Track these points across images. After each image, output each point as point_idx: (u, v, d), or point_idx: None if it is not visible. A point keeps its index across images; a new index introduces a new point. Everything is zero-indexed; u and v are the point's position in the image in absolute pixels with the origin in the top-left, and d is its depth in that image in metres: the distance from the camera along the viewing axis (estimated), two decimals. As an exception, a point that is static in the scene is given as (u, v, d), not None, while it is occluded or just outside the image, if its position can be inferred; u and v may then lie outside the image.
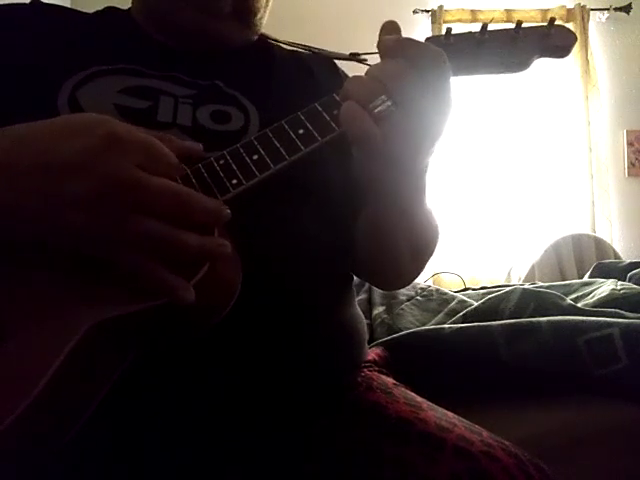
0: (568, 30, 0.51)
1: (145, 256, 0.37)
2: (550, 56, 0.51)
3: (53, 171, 0.36)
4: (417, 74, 0.44)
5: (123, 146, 0.37)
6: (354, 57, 0.65)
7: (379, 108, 0.43)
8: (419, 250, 0.62)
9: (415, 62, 0.44)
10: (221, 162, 0.44)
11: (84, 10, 0.65)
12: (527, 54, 0.50)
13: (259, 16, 0.65)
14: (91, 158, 0.36)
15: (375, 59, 0.49)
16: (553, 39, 0.50)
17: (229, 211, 0.39)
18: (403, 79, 0.44)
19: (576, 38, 0.51)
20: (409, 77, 0.44)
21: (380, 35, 0.48)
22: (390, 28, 0.49)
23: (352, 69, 0.67)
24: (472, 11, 3.01)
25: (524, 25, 0.51)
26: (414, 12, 3.03)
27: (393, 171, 0.49)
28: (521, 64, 0.50)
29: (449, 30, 0.51)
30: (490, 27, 0.50)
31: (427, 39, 0.52)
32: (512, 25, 0.50)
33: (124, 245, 0.37)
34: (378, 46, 0.47)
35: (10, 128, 0.39)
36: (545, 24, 0.50)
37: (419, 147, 0.46)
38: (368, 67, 0.46)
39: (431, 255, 0.64)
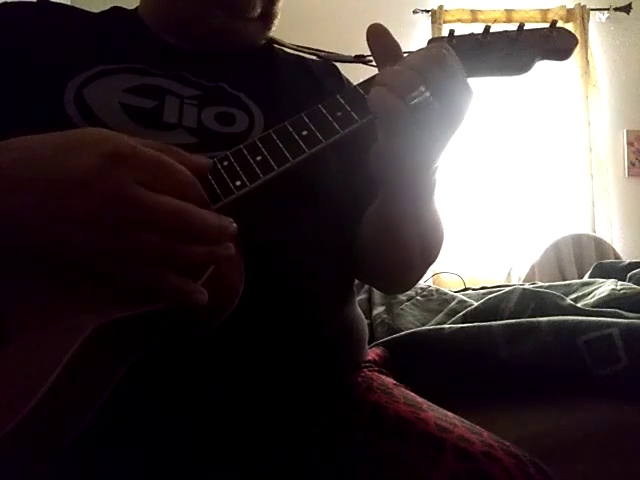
0: (569, 33, 0.51)
1: (150, 268, 0.37)
2: (551, 59, 0.51)
3: (57, 187, 0.36)
4: (456, 63, 0.44)
5: (128, 164, 0.36)
6: (359, 59, 0.65)
7: (418, 99, 0.43)
8: (429, 246, 0.61)
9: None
10: (225, 164, 0.44)
11: (85, 9, 0.65)
12: (529, 57, 0.50)
13: (278, 17, 0.67)
14: (95, 175, 0.35)
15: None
16: (554, 42, 0.50)
17: (235, 225, 0.39)
18: (444, 67, 0.44)
19: (577, 41, 0.50)
20: (450, 65, 0.44)
21: (371, 39, 0.48)
22: (377, 31, 0.48)
23: (356, 69, 0.67)
24: (472, 11, 3.01)
25: (526, 28, 0.50)
26: (414, 12, 3.03)
27: (415, 160, 0.48)
28: (523, 67, 0.50)
29: (452, 32, 0.51)
30: (492, 29, 0.50)
31: (430, 41, 0.52)
32: (512, 26, 0.50)
33: (127, 261, 0.37)
34: (376, 48, 0.47)
35: (19, 139, 0.39)
36: (546, 27, 0.50)
37: (445, 137, 0.47)
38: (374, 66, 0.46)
39: (438, 254, 0.64)
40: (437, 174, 0.52)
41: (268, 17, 0.65)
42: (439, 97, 0.44)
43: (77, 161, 0.36)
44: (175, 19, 0.62)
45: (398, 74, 0.44)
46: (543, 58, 0.50)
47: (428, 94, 0.43)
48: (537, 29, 0.51)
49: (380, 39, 0.48)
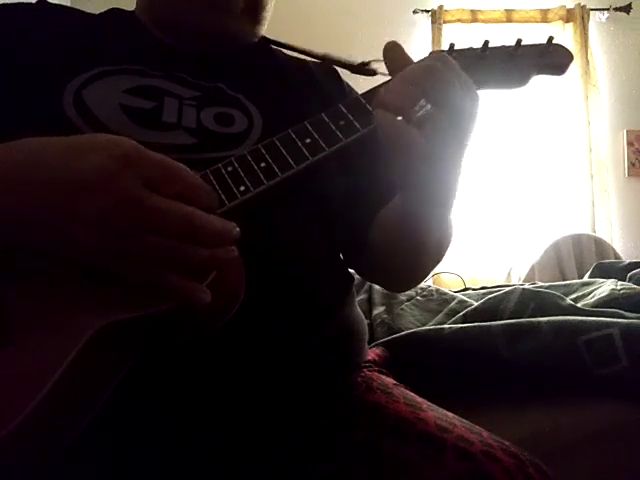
0: (565, 49, 0.52)
1: (155, 269, 0.38)
2: (547, 73, 0.52)
3: (65, 188, 0.36)
4: (451, 72, 0.45)
5: (137, 167, 0.36)
6: (362, 67, 0.64)
7: (420, 113, 0.43)
8: (442, 247, 0.61)
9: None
10: (229, 169, 0.44)
11: (84, 10, 0.65)
12: (526, 72, 0.51)
13: (267, 9, 0.66)
14: (104, 177, 0.36)
15: (381, 66, 0.50)
16: (551, 57, 0.51)
17: (238, 230, 0.39)
18: (440, 78, 0.44)
19: (572, 57, 0.52)
20: (445, 75, 0.44)
21: (388, 56, 0.49)
22: (393, 49, 0.49)
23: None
24: (472, 11, 3.00)
25: (524, 43, 0.52)
26: (414, 12, 3.02)
27: (434, 169, 0.48)
28: (520, 81, 0.51)
29: (452, 45, 0.52)
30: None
31: (431, 54, 0.53)
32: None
33: (131, 262, 0.37)
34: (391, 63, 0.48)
35: (25, 141, 0.39)
36: (544, 42, 0.52)
37: (458, 144, 0.47)
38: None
39: (444, 255, 0.63)
40: (459, 181, 0.51)
41: (254, 11, 0.64)
42: (441, 107, 0.44)
43: (87, 163, 0.36)
44: (163, 19, 0.62)
45: (397, 92, 0.45)
46: (539, 73, 0.52)
47: (429, 106, 0.44)
48: (534, 44, 0.52)
49: (396, 55, 0.49)
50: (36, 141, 0.39)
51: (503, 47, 0.52)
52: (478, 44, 0.53)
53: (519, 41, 0.51)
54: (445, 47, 0.55)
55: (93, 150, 0.37)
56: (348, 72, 0.68)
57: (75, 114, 0.51)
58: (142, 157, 0.37)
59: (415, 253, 0.59)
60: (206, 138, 0.54)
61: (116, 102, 0.53)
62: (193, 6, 0.60)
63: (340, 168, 0.61)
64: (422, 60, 0.48)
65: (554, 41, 0.52)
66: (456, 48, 0.52)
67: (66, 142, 0.38)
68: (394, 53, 0.49)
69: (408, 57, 0.49)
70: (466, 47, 0.53)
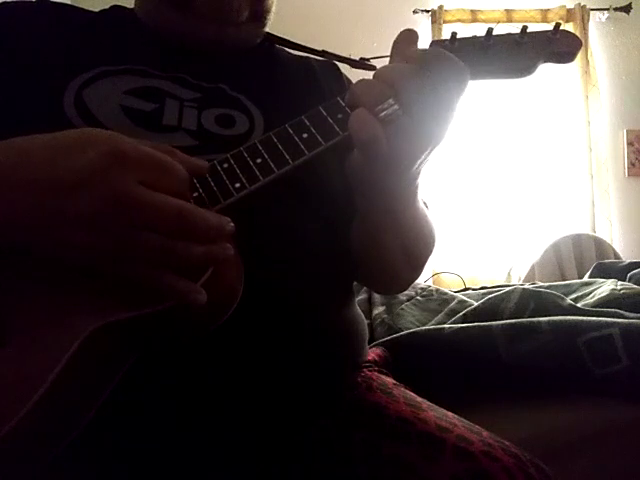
0: (573, 35, 0.51)
1: (150, 268, 0.37)
2: (554, 62, 0.50)
3: (57, 186, 0.35)
4: (427, 79, 0.44)
5: (127, 163, 0.36)
6: (363, 62, 0.64)
7: (386, 111, 0.43)
8: (414, 252, 0.61)
9: (434, 72, 0.44)
10: (224, 166, 0.44)
11: (85, 8, 0.65)
12: (532, 60, 0.49)
13: (272, 11, 0.66)
14: (94, 175, 0.35)
15: (383, 62, 0.49)
16: (558, 44, 0.50)
17: (232, 225, 0.39)
18: (411, 82, 0.43)
19: (581, 44, 0.50)
20: (417, 80, 0.44)
21: (397, 43, 0.48)
22: (408, 37, 0.48)
23: (358, 70, 0.67)
24: (472, 11, 3.00)
25: (529, 30, 0.50)
26: (414, 12, 3.02)
27: (389, 174, 0.48)
28: (526, 70, 0.50)
29: (454, 34, 0.50)
30: (494, 29, 0.50)
31: (432, 43, 0.52)
32: (513, 25, 0.50)
33: (127, 260, 0.37)
34: (396, 52, 0.47)
35: (18, 140, 0.39)
36: (550, 29, 0.50)
37: (419, 152, 0.46)
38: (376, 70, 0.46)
39: (427, 258, 0.64)
40: (418, 181, 0.51)
41: (259, 16, 0.64)
42: (409, 111, 0.43)
43: (77, 160, 0.36)
44: (163, 25, 0.62)
45: (368, 86, 0.44)
46: (546, 61, 0.50)
47: (397, 107, 0.43)
48: (540, 32, 0.51)
49: (404, 47, 0.48)
50: (25, 140, 0.38)
51: (508, 35, 0.50)
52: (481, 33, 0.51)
53: (524, 28, 0.50)
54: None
55: (83, 147, 0.36)
56: (349, 70, 0.68)
57: (75, 115, 0.51)
58: (132, 152, 0.36)
59: (381, 258, 0.59)
60: (207, 140, 0.54)
61: (117, 103, 0.53)
62: (202, 24, 0.60)
63: (339, 164, 0.60)
64: (423, 51, 0.47)
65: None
66: (459, 37, 0.51)
67: (56, 140, 0.38)
68: (402, 45, 0.48)
69: (414, 50, 0.47)
70: (469, 36, 0.51)
